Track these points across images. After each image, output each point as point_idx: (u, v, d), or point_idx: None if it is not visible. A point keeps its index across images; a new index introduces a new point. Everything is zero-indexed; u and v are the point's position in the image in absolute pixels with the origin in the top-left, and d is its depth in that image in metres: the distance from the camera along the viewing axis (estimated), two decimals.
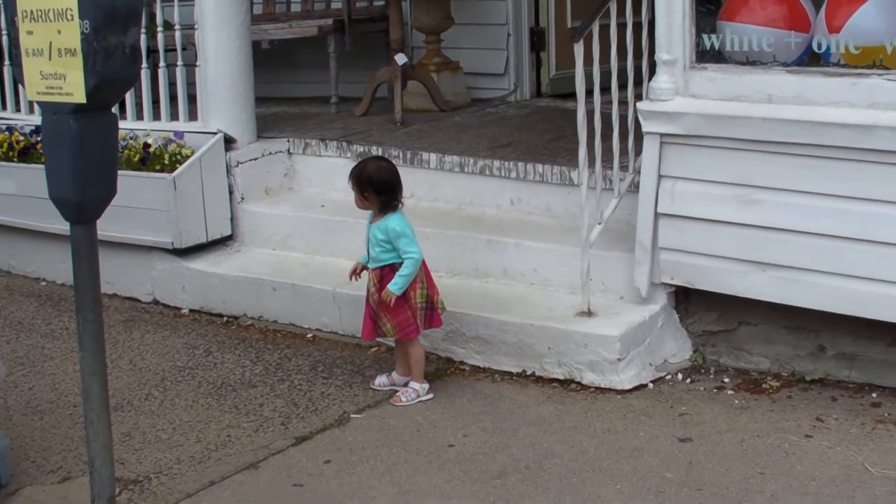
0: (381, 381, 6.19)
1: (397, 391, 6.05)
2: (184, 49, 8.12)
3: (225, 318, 7.33)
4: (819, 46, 6.00)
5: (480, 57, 9.50)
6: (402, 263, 5.94)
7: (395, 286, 5.90)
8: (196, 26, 7.89)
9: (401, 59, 8.73)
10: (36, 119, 8.13)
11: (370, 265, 6.07)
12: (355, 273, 6.19)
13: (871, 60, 5.81)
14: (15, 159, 8.19)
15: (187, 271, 7.54)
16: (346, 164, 7.74)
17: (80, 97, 4.19)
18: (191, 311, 7.51)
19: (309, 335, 6.97)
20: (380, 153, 7.56)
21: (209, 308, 7.46)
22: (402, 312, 5.96)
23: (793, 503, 4.84)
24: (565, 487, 5.04)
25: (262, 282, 7.22)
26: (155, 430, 5.77)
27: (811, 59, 6.10)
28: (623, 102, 6.45)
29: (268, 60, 9.28)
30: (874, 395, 5.89)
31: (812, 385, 6.02)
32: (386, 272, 5.97)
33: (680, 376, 6.18)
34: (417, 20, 9.20)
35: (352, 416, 5.85)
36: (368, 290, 6.06)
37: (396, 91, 8.66)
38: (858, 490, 4.93)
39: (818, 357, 6.14)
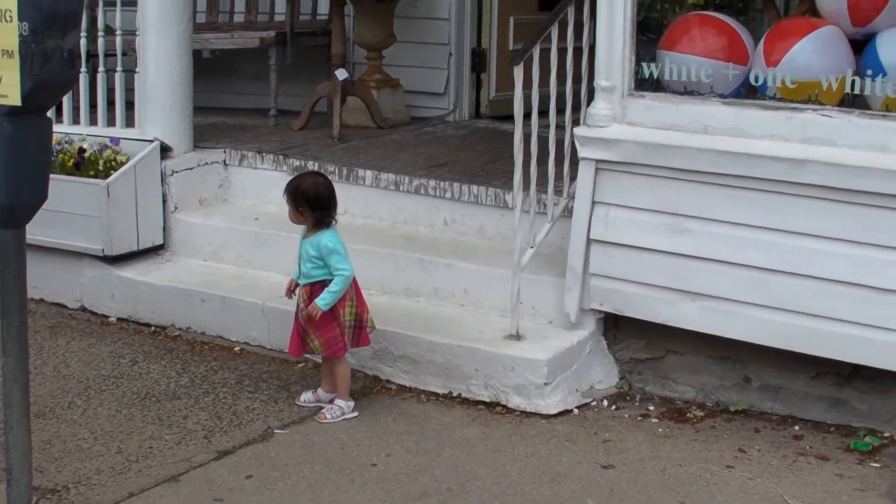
0: (306, 397, 6.16)
1: (322, 408, 6.02)
2: (124, 55, 8.07)
3: (153, 328, 7.27)
4: (756, 79, 6.05)
5: (421, 75, 9.49)
6: (332, 280, 5.90)
7: (322, 301, 5.86)
8: (137, 32, 7.84)
9: (341, 74, 8.71)
10: None
11: (301, 281, 6.02)
12: (290, 291, 6.13)
13: (806, 95, 5.88)
14: None
15: (117, 279, 7.48)
16: (281, 178, 7.71)
17: (15, 100, 4.13)
18: (119, 319, 7.44)
19: (237, 348, 6.93)
20: (316, 168, 7.54)
21: (137, 317, 7.40)
22: (331, 330, 5.92)
23: None
24: None
25: (192, 293, 7.17)
26: (76, 438, 5.71)
27: (748, 91, 6.16)
28: (561, 127, 6.48)
29: (208, 70, 9.24)
30: (796, 427, 5.92)
31: (736, 416, 6.05)
32: (316, 288, 5.93)
33: (605, 403, 6.19)
34: (360, 36, 9.18)
35: (276, 431, 5.81)
36: (298, 306, 6.02)
37: (335, 106, 8.64)
38: None
39: (743, 388, 6.17)
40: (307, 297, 5.96)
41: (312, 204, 5.96)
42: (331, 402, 6.06)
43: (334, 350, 5.96)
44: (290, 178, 7.43)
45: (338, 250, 5.92)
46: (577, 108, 6.54)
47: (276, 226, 7.38)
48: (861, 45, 5.99)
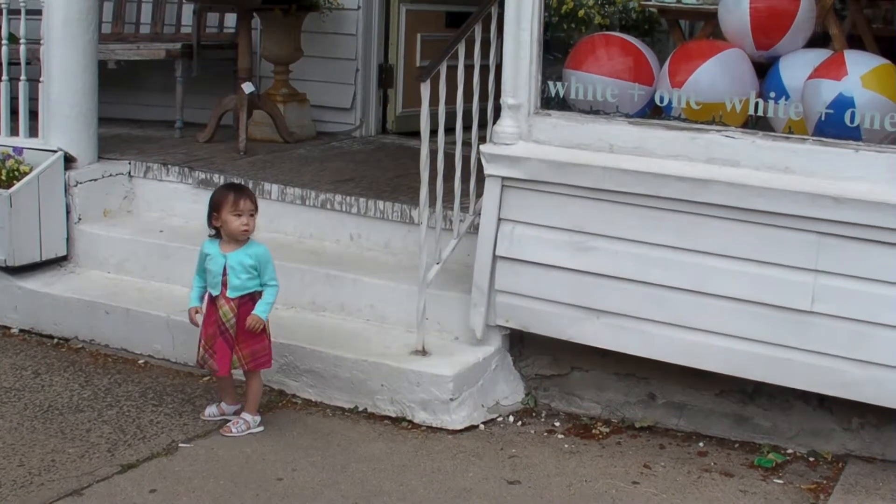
0: (210, 411, 6.11)
1: (228, 421, 5.99)
2: (28, 64, 7.98)
3: (56, 340, 7.19)
4: (661, 100, 6.13)
5: (328, 90, 9.49)
6: (260, 293, 5.94)
7: (264, 312, 5.89)
8: (42, 41, 7.75)
9: (248, 87, 8.69)
10: None
11: (230, 294, 5.89)
12: (196, 315, 6.03)
13: (710, 116, 5.96)
14: None
15: (19, 290, 7.38)
16: (186, 190, 7.71)
17: None
18: (21, 331, 7.35)
19: (141, 361, 6.87)
20: (222, 181, 7.50)
21: (40, 329, 7.31)
22: (261, 341, 5.94)
23: None
24: None
25: (96, 304, 7.10)
26: None
27: (654, 111, 6.23)
28: (467, 144, 6.50)
29: (113, 80, 9.16)
30: (701, 444, 5.99)
31: (641, 432, 6.11)
32: (245, 301, 5.91)
33: (511, 419, 6.22)
34: (267, 50, 9.17)
35: (180, 444, 5.77)
36: (221, 322, 5.92)
37: (241, 119, 8.61)
38: None
39: (648, 405, 6.22)
40: (237, 310, 5.89)
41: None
42: (236, 414, 6.03)
43: (261, 362, 5.99)
44: (196, 190, 7.48)
45: (271, 260, 6.00)
46: (483, 125, 6.56)
47: (181, 238, 7.34)
48: (765, 69, 6.10)
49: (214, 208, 5.93)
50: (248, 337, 5.88)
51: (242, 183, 6.35)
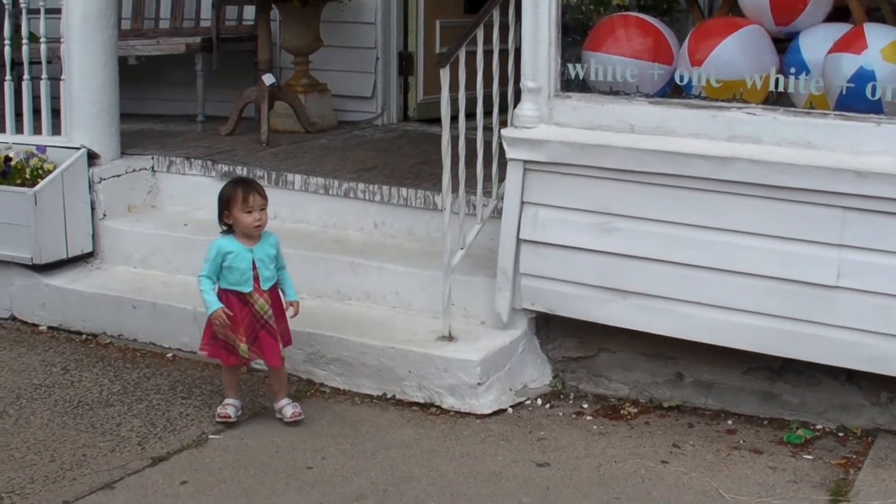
0: (232, 410, 6.01)
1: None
2: (49, 62, 8.01)
3: (84, 336, 7.22)
4: (681, 79, 6.12)
5: (348, 79, 9.50)
6: (283, 273, 6.06)
7: (296, 294, 6.09)
8: (62, 40, 7.77)
9: (268, 79, 8.70)
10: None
11: (263, 286, 5.90)
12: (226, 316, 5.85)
13: (731, 94, 5.95)
14: None
15: (46, 287, 7.42)
16: (210, 183, 7.70)
17: None
18: (49, 328, 7.38)
19: (169, 354, 6.90)
20: (245, 173, 7.52)
21: (68, 325, 7.34)
22: (286, 319, 6.07)
23: None
24: None
25: (123, 300, 7.13)
26: (8, 448, 5.66)
27: (674, 91, 6.22)
28: (488, 129, 6.50)
29: (134, 76, 9.19)
30: (729, 422, 5.98)
31: (669, 412, 6.11)
32: (273, 289, 5.99)
33: (539, 402, 6.23)
34: (286, 41, 9.17)
35: (210, 436, 5.80)
36: (259, 316, 5.91)
37: (263, 111, 8.63)
38: None
39: (676, 384, 6.22)
40: (270, 301, 5.94)
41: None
42: (236, 408, 6.05)
43: (288, 339, 6.08)
44: (219, 183, 7.43)
45: None
46: (504, 109, 6.56)
47: (206, 231, 7.33)
48: (784, 44, 6.07)
49: (224, 206, 5.93)
50: (280, 321, 5.96)
51: (248, 176, 6.36)
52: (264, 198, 5.94)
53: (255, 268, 5.90)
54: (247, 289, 5.88)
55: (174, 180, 8.03)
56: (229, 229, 5.95)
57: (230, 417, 5.94)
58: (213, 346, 5.95)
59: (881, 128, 5.50)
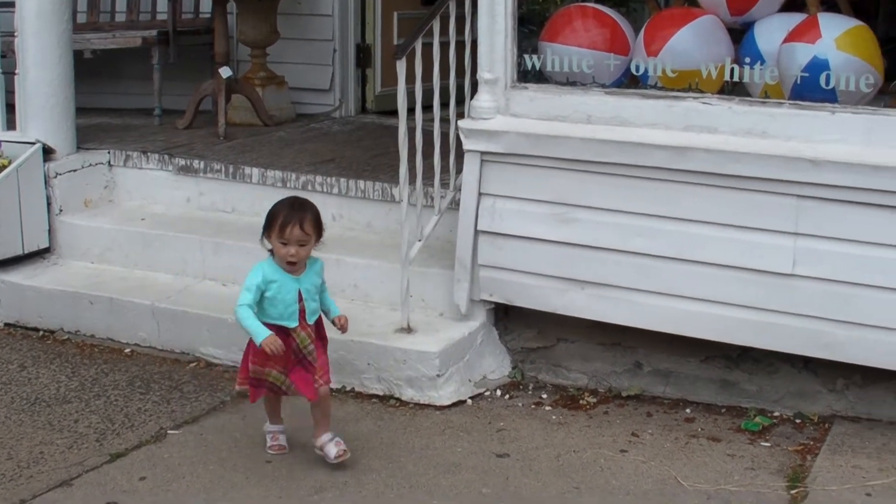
0: (280, 441, 5.58)
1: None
2: (3, 56, 7.96)
3: (41, 332, 7.17)
4: (637, 69, 6.14)
5: (306, 72, 9.47)
6: (325, 295, 5.45)
7: (337, 308, 5.50)
8: (16, 33, 7.71)
9: (225, 72, 8.67)
10: None
11: (309, 320, 5.31)
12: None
13: (687, 84, 5.97)
14: None
15: (2, 284, 7.35)
16: (167, 177, 7.69)
17: None
18: (5, 325, 7.32)
19: (127, 350, 6.86)
20: (202, 167, 7.51)
21: (25, 322, 7.28)
22: (325, 351, 5.51)
23: None
24: (382, 503, 5.05)
25: (80, 295, 7.09)
26: None
27: (630, 81, 6.24)
28: (445, 120, 6.51)
29: (90, 70, 9.13)
30: (688, 410, 6.01)
31: (628, 401, 6.13)
32: (318, 322, 5.42)
33: (499, 392, 6.24)
34: (243, 34, 9.14)
35: (169, 431, 5.77)
36: (299, 350, 5.31)
37: (220, 104, 8.60)
38: (670, 503, 5.02)
39: (635, 373, 6.24)
40: (313, 335, 5.35)
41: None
42: (283, 433, 5.61)
43: (327, 376, 5.46)
44: (176, 177, 7.42)
45: None
46: (461, 101, 6.55)
47: (163, 226, 7.34)
48: (739, 34, 6.10)
49: (265, 226, 5.30)
50: (321, 354, 5.40)
51: (303, 199, 5.38)
52: (308, 233, 5.20)
53: (300, 299, 5.30)
54: (292, 324, 5.26)
55: (131, 175, 7.98)
56: (272, 252, 5.31)
57: (284, 449, 5.52)
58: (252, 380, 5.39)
59: (835, 116, 5.53)
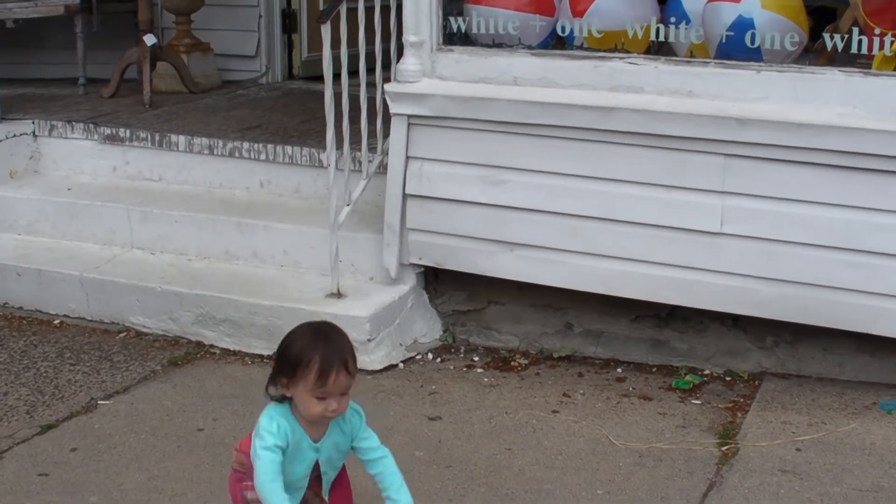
0: None
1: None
2: None
3: None
4: (563, 30, 6.14)
5: (231, 38, 9.40)
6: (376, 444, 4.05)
7: (408, 496, 3.99)
8: None
9: (149, 39, 8.58)
10: None
11: (324, 489, 4.01)
12: None
13: (613, 44, 5.99)
14: None
15: None
16: (92, 147, 7.62)
17: None
18: None
19: (56, 321, 6.79)
20: (128, 135, 7.44)
21: None
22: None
23: (539, 477, 4.93)
24: None
25: (7, 267, 6.99)
26: None
27: (556, 42, 6.24)
28: (372, 85, 6.47)
29: (13, 40, 9.04)
30: (619, 370, 6.04)
31: (560, 362, 6.15)
32: (337, 481, 4.08)
33: (431, 356, 6.24)
34: (167, 0, 9.06)
35: (99, 402, 5.73)
36: None
37: (145, 72, 8.51)
38: (603, 462, 5.05)
39: (565, 334, 6.26)
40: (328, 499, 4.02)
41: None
42: None
43: None
44: (102, 147, 7.33)
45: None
46: (387, 66, 6.52)
47: (90, 196, 7.27)
48: None
49: (286, 369, 3.74)
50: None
51: (332, 324, 3.97)
52: (353, 375, 3.75)
53: (315, 468, 3.93)
54: (296, 498, 3.91)
55: (56, 144, 7.88)
56: (282, 397, 3.82)
57: None
58: None
59: (761, 75, 5.55)
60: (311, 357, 3.64)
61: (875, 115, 5.32)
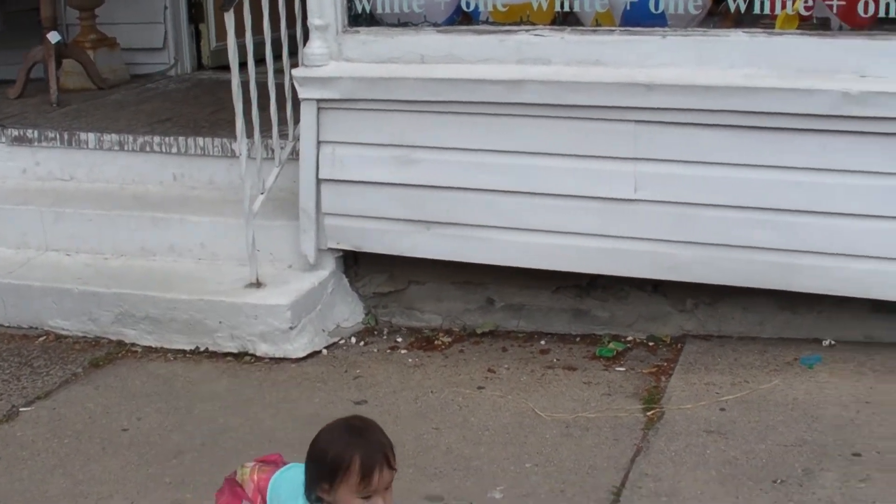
0: None
1: None
2: None
3: None
4: (468, 5, 6.10)
5: (137, 31, 9.29)
6: None
7: None
8: None
9: (53, 36, 8.48)
10: None
11: None
12: None
13: (518, 17, 5.96)
14: None
15: None
16: (0, 149, 7.49)
17: None
18: None
19: None
20: (36, 136, 7.35)
21: None
22: None
23: (468, 454, 4.94)
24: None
25: None
26: None
27: (462, 18, 6.20)
28: (280, 71, 6.42)
29: None
30: (543, 342, 6.05)
31: (483, 338, 6.15)
32: None
33: (354, 340, 6.22)
34: None
35: (21, 409, 5.65)
36: None
37: (51, 70, 8.41)
38: (530, 435, 5.06)
39: (487, 310, 6.26)
40: None
41: None
42: None
43: None
44: (9, 148, 7.22)
45: None
46: (295, 51, 6.47)
47: (0, 199, 7.16)
48: None
49: (325, 474, 3.35)
50: None
51: (363, 418, 3.61)
52: (395, 468, 3.40)
53: None
54: None
55: None
56: (318, 500, 3.42)
57: None
58: None
59: (666, 40, 5.56)
60: (351, 458, 3.31)
61: (780, 73, 5.35)
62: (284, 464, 3.73)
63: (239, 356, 6.04)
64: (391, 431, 5.00)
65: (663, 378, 5.51)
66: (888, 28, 5.34)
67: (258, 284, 6.18)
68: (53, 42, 8.46)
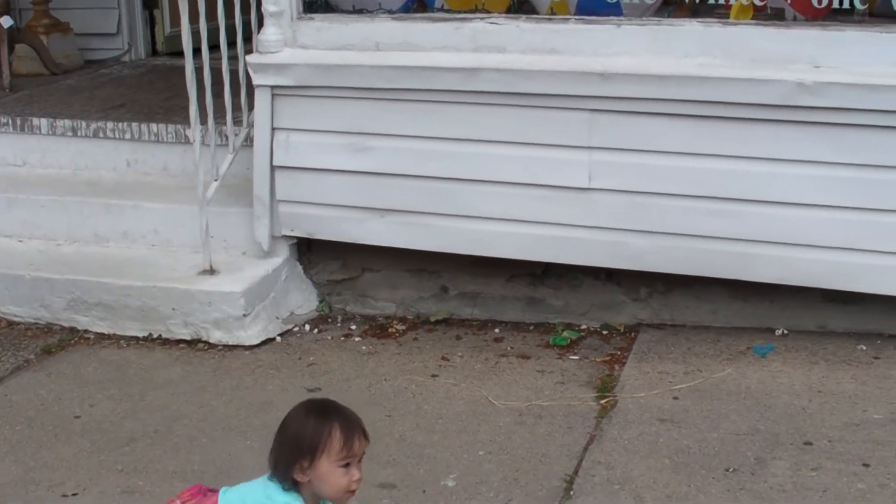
0: None
1: None
2: None
3: None
4: None
5: (91, 16, 9.24)
6: None
7: None
8: None
9: (6, 21, 8.42)
10: None
11: None
12: None
13: (473, 5, 5.98)
14: None
15: None
16: None
17: None
18: None
19: None
20: None
21: None
22: None
23: (421, 442, 4.94)
24: (195, 448, 4.99)
25: None
26: None
27: (418, 6, 6.21)
28: (235, 58, 6.39)
29: None
30: (496, 330, 6.06)
31: (437, 326, 6.15)
32: None
33: (308, 327, 6.21)
34: None
35: None
36: None
37: (3, 55, 8.34)
38: (483, 423, 5.07)
39: (441, 298, 6.26)
40: None
41: None
42: None
43: None
44: None
45: None
46: (249, 38, 6.44)
47: None
48: None
49: (302, 451, 3.37)
50: None
51: (322, 400, 3.67)
52: (368, 439, 3.51)
53: None
54: None
55: None
56: (294, 485, 3.40)
57: None
58: None
59: (621, 29, 5.57)
60: (331, 427, 3.39)
61: (734, 63, 5.37)
62: (211, 490, 3.60)
63: (192, 343, 6.02)
64: None
65: (617, 367, 5.53)
66: (842, 19, 5.38)
67: (212, 271, 6.16)
68: (6, 27, 8.40)
